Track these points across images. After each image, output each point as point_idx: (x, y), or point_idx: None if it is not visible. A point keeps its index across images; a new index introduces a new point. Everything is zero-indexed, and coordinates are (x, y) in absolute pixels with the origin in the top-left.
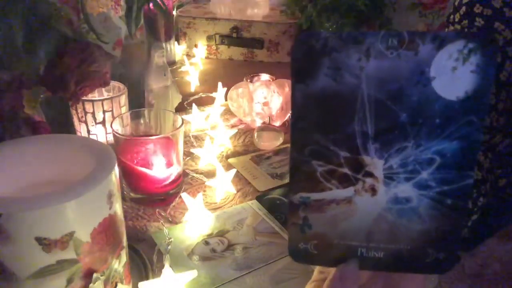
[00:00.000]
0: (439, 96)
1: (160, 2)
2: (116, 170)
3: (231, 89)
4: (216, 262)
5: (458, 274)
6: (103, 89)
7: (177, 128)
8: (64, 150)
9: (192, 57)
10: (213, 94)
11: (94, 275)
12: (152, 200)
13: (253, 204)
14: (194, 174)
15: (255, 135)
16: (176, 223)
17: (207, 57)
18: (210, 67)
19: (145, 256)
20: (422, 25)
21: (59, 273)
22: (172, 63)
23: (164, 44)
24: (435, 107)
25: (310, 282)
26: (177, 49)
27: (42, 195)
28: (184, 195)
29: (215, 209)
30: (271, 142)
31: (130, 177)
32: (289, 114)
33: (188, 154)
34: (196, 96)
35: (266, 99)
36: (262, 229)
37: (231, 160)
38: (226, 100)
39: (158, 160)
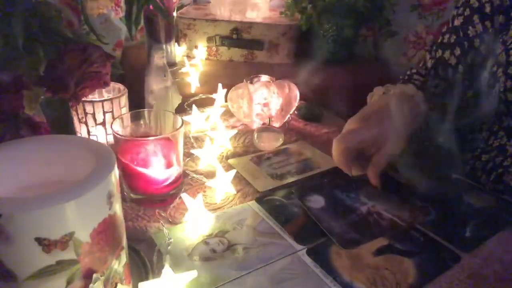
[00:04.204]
0: None
1: (160, 4)
2: (116, 170)
3: (231, 90)
4: (216, 263)
5: (458, 274)
6: (103, 90)
7: (177, 129)
8: (64, 150)
9: (192, 59)
10: (213, 95)
11: (94, 275)
12: (152, 200)
13: (253, 204)
14: (194, 175)
15: (255, 136)
16: (176, 223)
17: (207, 58)
18: (210, 68)
19: (145, 256)
20: (422, 26)
21: (59, 274)
22: (172, 64)
23: (164, 46)
24: None
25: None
26: (177, 51)
27: (42, 196)
28: (184, 195)
29: (215, 209)
30: (271, 143)
31: (130, 178)
32: (288, 115)
33: (188, 155)
34: (196, 97)
35: (266, 100)
36: (262, 229)
37: (231, 161)
38: (226, 101)
39: (158, 161)
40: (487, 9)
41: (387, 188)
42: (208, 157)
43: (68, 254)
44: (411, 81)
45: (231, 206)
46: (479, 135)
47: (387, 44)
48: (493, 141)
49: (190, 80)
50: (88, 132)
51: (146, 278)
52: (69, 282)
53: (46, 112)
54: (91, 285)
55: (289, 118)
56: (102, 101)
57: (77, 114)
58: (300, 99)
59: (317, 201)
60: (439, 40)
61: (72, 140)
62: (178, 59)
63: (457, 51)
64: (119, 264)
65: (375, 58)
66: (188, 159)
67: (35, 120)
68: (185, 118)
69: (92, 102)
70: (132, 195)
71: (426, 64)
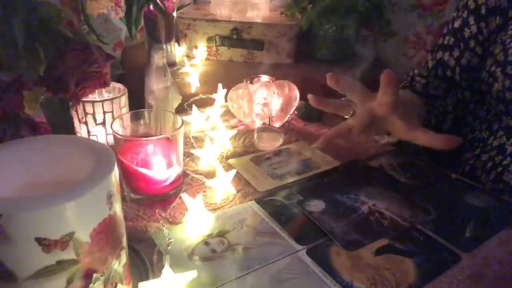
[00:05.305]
0: None
1: (160, 4)
2: (116, 170)
3: (231, 90)
4: (216, 263)
5: (458, 274)
6: (103, 90)
7: (177, 129)
8: (64, 150)
9: (192, 59)
10: (213, 95)
11: (94, 275)
12: (152, 200)
13: (253, 204)
14: (194, 175)
15: (255, 136)
16: (176, 223)
17: (207, 59)
18: (210, 69)
19: (145, 256)
20: (422, 26)
21: (59, 274)
22: (172, 64)
23: (164, 46)
24: None
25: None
26: (177, 51)
27: (42, 196)
28: (184, 195)
29: (215, 209)
30: (271, 143)
31: (130, 178)
32: (288, 115)
33: (188, 155)
34: (196, 97)
35: (266, 100)
36: (262, 229)
37: (231, 161)
38: (226, 101)
39: (158, 161)
40: (483, 10)
41: (387, 186)
42: (208, 157)
43: (68, 254)
44: (413, 83)
45: (231, 206)
46: (479, 135)
47: (387, 44)
48: (493, 141)
49: (190, 80)
50: (88, 132)
51: (146, 278)
52: (69, 282)
53: (46, 112)
54: (91, 285)
55: (289, 118)
56: (102, 101)
57: (77, 114)
58: (300, 99)
59: (317, 205)
60: (440, 42)
61: (72, 140)
62: (178, 59)
63: (456, 53)
64: (119, 264)
65: (375, 58)
66: (188, 159)
67: (35, 120)
68: (185, 118)
69: (92, 102)
70: (132, 195)
71: (427, 65)
